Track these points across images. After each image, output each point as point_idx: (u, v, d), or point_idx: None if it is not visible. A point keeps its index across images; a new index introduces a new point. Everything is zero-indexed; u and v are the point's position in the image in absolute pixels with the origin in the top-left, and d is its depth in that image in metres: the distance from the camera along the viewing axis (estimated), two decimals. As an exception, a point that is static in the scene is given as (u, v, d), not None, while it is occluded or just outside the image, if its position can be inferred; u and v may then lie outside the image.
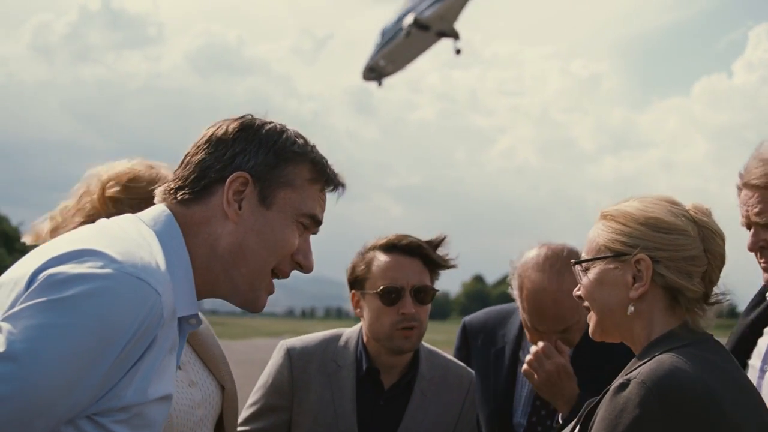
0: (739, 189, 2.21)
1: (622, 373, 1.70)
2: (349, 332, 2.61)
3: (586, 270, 1.79)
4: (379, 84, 44.74)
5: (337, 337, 2.60)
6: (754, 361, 2.26)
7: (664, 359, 1.60)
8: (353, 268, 2.55)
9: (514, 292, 2.67)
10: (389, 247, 2.50)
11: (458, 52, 38.01)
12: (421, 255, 2.50)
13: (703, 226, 1.73)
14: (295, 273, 1.65)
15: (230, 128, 1.61)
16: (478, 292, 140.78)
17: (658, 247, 1.69)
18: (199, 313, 2.19)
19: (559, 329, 2.57)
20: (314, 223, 1.63)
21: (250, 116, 1.63)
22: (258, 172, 1.56)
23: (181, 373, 2.10)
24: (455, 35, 37.45)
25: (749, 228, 2.18)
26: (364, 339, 2.56)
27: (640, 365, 1.64)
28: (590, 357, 2.57)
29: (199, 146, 1.62)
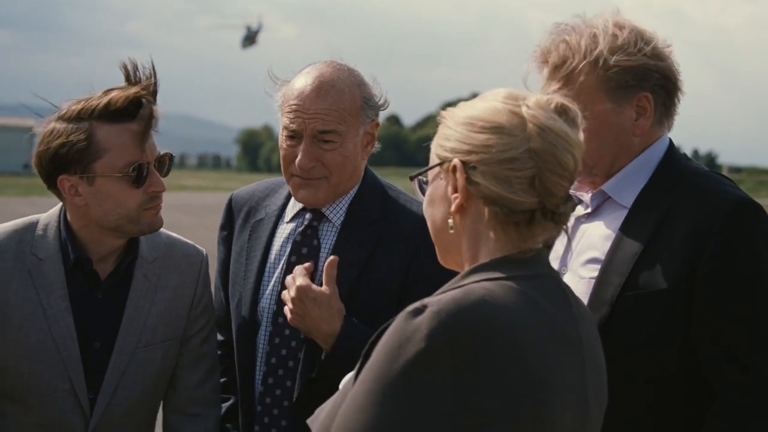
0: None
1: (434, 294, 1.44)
2: (45, 218, 2.22)
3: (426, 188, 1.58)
4: None
5: (32, 225, 2.21)
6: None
7: (473, 290, 1.37)
8: (60, 146, 2.07)
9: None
10: (115, 114, 2.07)
11: None
12: (149, 113, 2.10)
13: (534, 122, 1.42)
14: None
15: None
16: (393, 137, 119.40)
17: (471, 150, 1.45)
18: None
19: (317, 126, 2.18)
20: None
21: None
22: None
23: None
24: None
25: None
26: (72, 225, 2.18)
27: (449, 290, 1.41)
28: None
29: None
